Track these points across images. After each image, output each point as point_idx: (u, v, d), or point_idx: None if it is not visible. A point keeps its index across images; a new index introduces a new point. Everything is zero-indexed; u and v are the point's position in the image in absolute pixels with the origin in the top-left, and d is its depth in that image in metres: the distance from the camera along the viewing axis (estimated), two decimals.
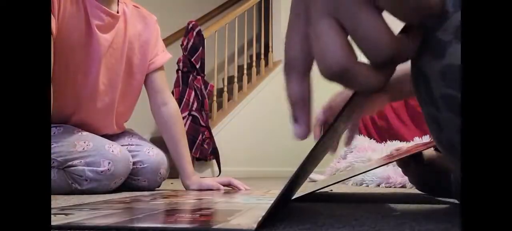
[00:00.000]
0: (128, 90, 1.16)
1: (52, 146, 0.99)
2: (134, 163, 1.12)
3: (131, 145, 1.19)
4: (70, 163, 0.99)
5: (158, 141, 1.38)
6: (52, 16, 0.92)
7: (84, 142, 1.01)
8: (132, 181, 1.15)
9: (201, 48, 3.22)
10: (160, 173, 1.18)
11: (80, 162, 0.98)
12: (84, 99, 1.08)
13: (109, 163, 0.99)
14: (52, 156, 0.98)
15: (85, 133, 1.06)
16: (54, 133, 1.03)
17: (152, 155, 1.17)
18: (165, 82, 1.20)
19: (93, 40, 1.02)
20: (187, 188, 1.14)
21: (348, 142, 0.73)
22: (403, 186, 1.42)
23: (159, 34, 1.22)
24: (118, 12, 1.07)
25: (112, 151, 1.02)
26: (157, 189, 1.20)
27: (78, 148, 1.00)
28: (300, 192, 0.74)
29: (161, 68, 1.19)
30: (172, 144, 1.17)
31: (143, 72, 1.17)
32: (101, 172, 0.98)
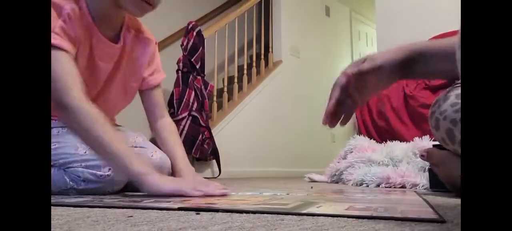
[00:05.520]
0: (120, 101, 1.24)
1: (54, 146, 0.98)
2: None
3: (135, 146, 1.20)
4: (70, 165, 0.98)
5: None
6: (66, 36, 0.94)
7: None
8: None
9: (201, 48, 3.22)
10: None
11: (81, 164, 0.98)
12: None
13: (109, 169, 0.99)
14: (54, 157, 0.97)
15: None
16: (58, 132, 1.03)
17: (156, 158, 1.17)
18: (161, 99, 1.26)
19: (96, 67, 1.08)
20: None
21: (345, 121, 0.71)
22: (403, 186, 1.42)
23: (157, 55, 1.27)
24: (119, 41, 1.12)
25: None
26: None
27: (80, 151, 0.99)
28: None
29: (157, 86, 1.25)
30: (165, 146, 1.20)
31: (135, 89, 1.24)
32: (100, 176, 0.98)
